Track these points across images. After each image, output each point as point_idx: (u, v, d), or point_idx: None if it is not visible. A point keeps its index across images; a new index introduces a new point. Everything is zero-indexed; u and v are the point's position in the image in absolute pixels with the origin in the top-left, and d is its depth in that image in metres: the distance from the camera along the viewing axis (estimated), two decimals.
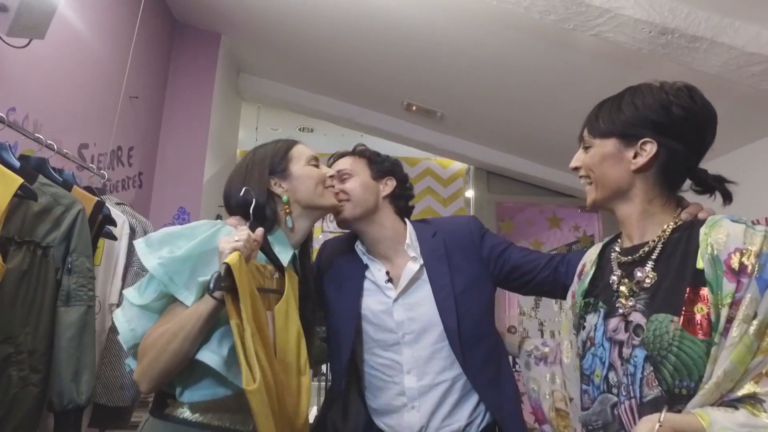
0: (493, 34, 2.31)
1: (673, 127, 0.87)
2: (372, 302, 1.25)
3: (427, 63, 2.74)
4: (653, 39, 1.85)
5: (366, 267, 1.29)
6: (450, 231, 1.31)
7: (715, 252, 0.77)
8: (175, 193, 2.82)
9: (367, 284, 1.27)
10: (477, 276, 1.25)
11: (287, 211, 1.14)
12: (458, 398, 1.19)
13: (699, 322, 0.75)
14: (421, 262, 1.25)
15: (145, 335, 0.96)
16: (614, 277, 0.90)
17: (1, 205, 1.07)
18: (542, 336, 5.05)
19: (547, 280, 1.22)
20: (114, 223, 1.58)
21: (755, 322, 0.71)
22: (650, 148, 0.87)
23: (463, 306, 1.20)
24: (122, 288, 1.59)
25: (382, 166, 1.34)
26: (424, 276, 1.25)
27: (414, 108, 3.23)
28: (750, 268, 0.73)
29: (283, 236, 1.14)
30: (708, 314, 0.75)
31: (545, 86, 2.61)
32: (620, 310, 0.86)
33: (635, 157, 0.88)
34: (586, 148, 0.95)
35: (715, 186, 0.92)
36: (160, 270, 0.95)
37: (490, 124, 3.24)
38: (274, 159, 1.16)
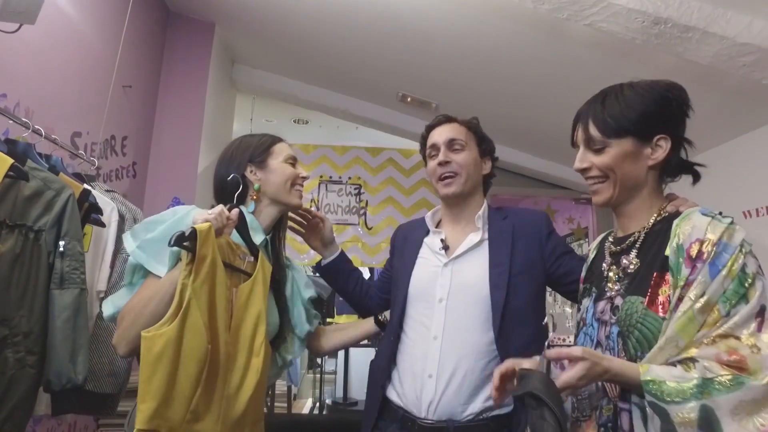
0: (488, 24, 2.30)
1: (675, 121, 0.95)
2: (423, 266, 1.31)
3: (421, 54, 2.73)
4: (646, 29, 1.85)
5: (426, 235, 1.37)
6: (521, 219, 1.35)
7: (681, 241, 0.86)
8: (169, 183, 2.81)
9: (423, 251, 1.34)
10: (534, 265, 1.28)
11: (254, 197, 1.25)
12: (478, 379, 1.16)
13: (661, 302, 0.86)
14: (485, 236, 1.30)
15: (125, 304, 1.06)
16: (605, 265, 1.00)
17: None
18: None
19: None
20: (100, 212, 1.58)
21: (702, 300, 0.81)
22: (665, 144, 0.94)
23: (515, 286, 1.21)
24: (110, 275, 1.60)
25: (488, 146, 1.41)
26: (485, 249, 1.28)
27: (409, 99, 3.22)
28: (705, 255, 0.83)
29: (256, 221, 1.24)
30: (668, 296, 0.85)
31: (539, 77, 2.61)
32: (608, 294, 0.96)
33: (653, 153, 0.94)
34: (598, 150, 0.96)
35: (688, 168, 0.99)
36: (138, 251, 1.06)
37: (485, 116, 3.19)
38: (257, 149, 1.29)
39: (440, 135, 1.34)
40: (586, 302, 1.01)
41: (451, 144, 1.32)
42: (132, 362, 1.63)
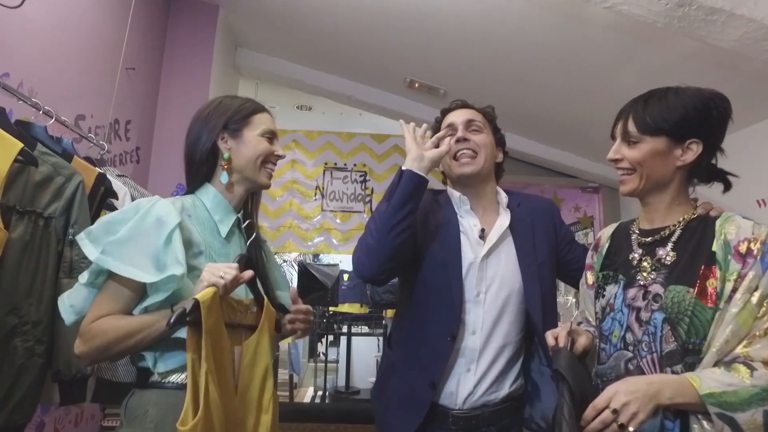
0: (502, 7, 2.25)
1: (712, 129, 1.01)
2: (467, 259, 1.25)
3: (431, 38, 2.67)
4: (670, 11, 1.80)
5: (458, 218, 1.30)
6: (534, 205, 1.36)
7: (728, 239, 0.95)
8: (173, 169, 2.75)
9: (462, 239, 1.27)
10: (552, 253, 1.32)
11: (224, 167, 1.12)
12: (505, 365, 1.21)
13: (709, 293, 0.93)
14: (509, 223, 1.27)
15: (94, 318, 0.95)
16: (635, 255, 1.06)
17: (1, 171, 1.01)
18: None
19: None
20: (116, 196, 1.54)
21: (756, 294, 0.89)
22: (696, 148, 1.00)
23: (543, 275, 1.25)
24: None
25: (502, 137, 1.41)
26: (510, 237, 1.28)
27: (417, 85, 3.16)
28: (756, 251, 0.92)
29: (223, 200, 1.13)
30: (716, 288, 0.92)
31: (554, 64, 2.56)
32: (640, 282, 1.02)
33: (682, 155, 1.01)
34: (632, 143, 1.03)
35: (720, 177, 1.06)
36: (103, 257, 0.94)
37: (495, 103, 3.15)
38: (234, 116, 1.15)
39: (457, 116, 1.33)
40: (613, 288, 1.06)
41: (469, 124, 1.32)
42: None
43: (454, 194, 1.32)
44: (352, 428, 3.01)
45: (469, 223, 1.28)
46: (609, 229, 1.20)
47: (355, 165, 3.64)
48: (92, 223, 1.33)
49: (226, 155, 1.12)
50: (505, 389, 1.21)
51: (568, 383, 0.93)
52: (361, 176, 3.64)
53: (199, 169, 1.14)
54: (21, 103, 1.36)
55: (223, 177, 1.12)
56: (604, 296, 1.08)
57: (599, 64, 2.42)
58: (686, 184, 1.06)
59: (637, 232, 1.10)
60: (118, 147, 2.37)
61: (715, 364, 0.89)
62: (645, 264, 1.03)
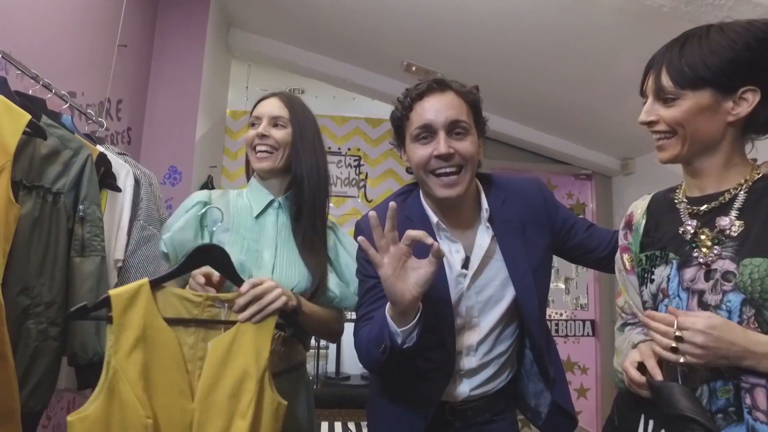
0: None
1: (761, 66, 0.81)
2: (453, 290, 1.09)
3: (430, 20, 2.63)
4: None
5: (434, 235, 1.08)
6: (522, 197, 1.15)
7: None
8: (165, 151, 2.68)
9: (446, 269, 1.09)
10: (547, 248, 1.17)
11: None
12: (500, 368, 1.17)
13: None
14: (492, 234, 1.11)
15: None
16: (688, 227, 0.88)
17: (11, 142, 0.96)
18: None
19: (605, 258, 1.17)
20: (114, 178, 1.48)
21: None
22: (752, 98, 0.82)
23: (538, 281, 1.11)
24: (127, 243, 1.50)
25: (485, 127, 1.14)
26: (497, 250, 1.11)
27: (414, 69, 3.12)
28: None
29: (260, 188, 1.29)
30: None
31: (554, 48, 2.55)
32: (699, 260, 0.85)
33: (734, 108, 0.83)
34: (669, 100, 0.86)
35: None
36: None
37: (492, 88, 3.17)
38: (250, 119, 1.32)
39: (437, 113, 1.03)
40: (664, 271, 0.89)
41: (452, 128, 1.04)
42: None
43: (432, 218, 1.11)
44: (344, 413, 3.03)
45: (450, 250, 1.10)
46: (642, 203, 1.02)
47: (349, 149, 3.60)
48: (98, 202, 1.29)
49: None
50: (503, 382, 1.18)
51: (705, 425, 0.72)
52: (355, 161, 3.60)
53: (247, 171, 1.37)
54: (17, 76, 1.29)
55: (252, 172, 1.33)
56: (653, 281, 0.91)
57: (601, 48, 2.42)
58: (741, 141, 0.87)
59: (684, 200, 0.92)
60: (110, 127, 2.29)
61: None
62: (703, 237, 0.86)
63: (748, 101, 0.82)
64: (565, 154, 3.59)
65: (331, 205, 3.93)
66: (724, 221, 0.84)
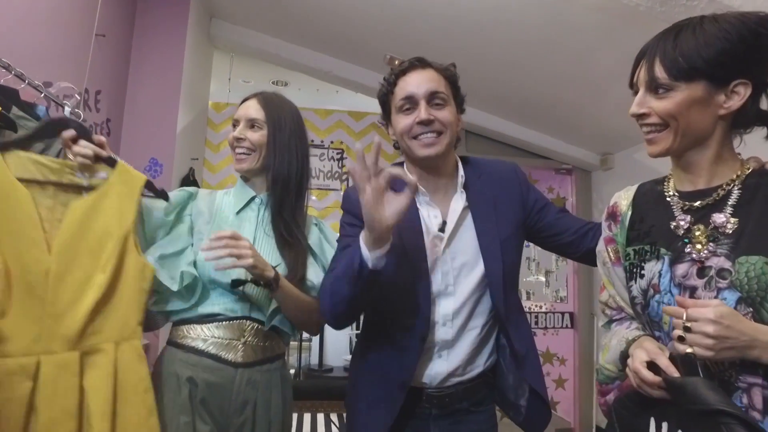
0: None
1: (762, 63, 0.81)
2: (431, 254, 1.14)
3: (413, 14, 2.64)
4: None
5: (418, 209, 1.17)
6: (497, 175, 1.23)
7: None
8: (146, 142, 2.66)
9: (424, 233, 1.16)
10: (518, 223, 1.22)
11: None
12: (479, 345, 1.18)
13: None
14: (466, 203, 1.18)
15: None
16: (681, 223, 0.87)
17: None
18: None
19: (571, 243, 1.22)
20: None
21: None
22: (744, 91, 0.81)
23: (506, 252, 1.16)
24: None
25: (462, 99, 1.22)
26: (469, 217, 1.19)
27: (397, 62, 3.12)
28: None
29: (244, 186, 1.33)
30: None
31: (535, 44, 2.58)
32: (692, 256, 0.84)
33: (726, 101, 0.82)
34: (661, 92, 0.84)
35: (764, 120, 0.87)
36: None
37: (474, 83, 3.18)
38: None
39: (418, 85, 1.13)
40: (655, 266, 0.89)
41: (432, 98, 1.13)
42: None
43: (411, 179, 1.13)
44: (327, 405, 3.05)
45: (429, 215, 1.18)
46: (626, 194, 1.01)
47: (332, 142, 3.61)
48: None
49: None
50: (480, 367, 1.19)
51: (740, 417, 0.68)
52: (338, 154, 3.60)
53: None
54: None
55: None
56: (643, 276, 0.90)
57: (579, 45, 2.46)
58: (730, 135, 0.86)
59: (676, 194, 0.91)
60: (88, 118, 2.26)
61: None
62: (698, 234, 0.85)
63: (739, 94, 0.82)
64: (545, 148, 3.64)
65: (313, 198, 3.94)
66: (719, 218, 0.83)
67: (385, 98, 1.20)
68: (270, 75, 3.94)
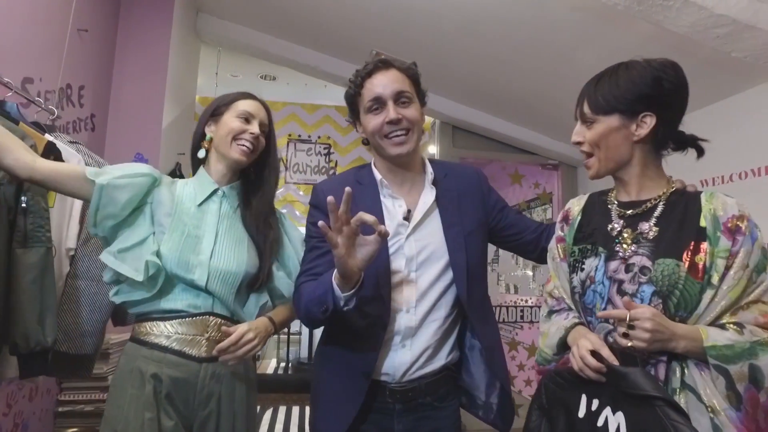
0: None
1: (664, 99, 1.01)
2: (392, 239, 1.19)
3: (400, 11, 2.65)
4: None
5: (381, 201, 1.23)
6: (460, 176, 1.32)
7: (717, 215, 0.97)
8: (131, 138, 2.66)
9: (386, 222, 1.20)
10: (481, 221, 1.28)
11: (205, 146, 1.35)
12: (442, 338, 1.21)
13: (699, 268, 0.94)
14: (434, 198, 1.24)
15: None
16: (615, 226, 1.06)
17: None
18: (498, 289, 5.25)
19: (531, 242, 1.31)
20: None
21: (747, 270, 0.93)
22: (650, 121, 1.01)
23: (470, 245, 1.22)
24: (80, 232, 1.51)
25: (423, 96, 1.28)
26: (436, 211, 1.25)
27: (383, 57, 3.14)
28: (744, 229, 0.95)
29: (206, 176, 1.34)
30: (704, 263, 0.94)
31: (519, 41, 2.60)
32: (620, 254, 1.02)
33: (637, 129, 1.02)
34: (589, 124, 1.05)
35: (691, 143, 1.07)
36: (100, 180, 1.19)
37: (459, 78, 3.22)
38: (220, 103, 1.36)
39: (384, 86, 1.19)
40: (593, 261, 1.05)
41: (398, 97, 1.19)
42: (107, 321, 1.57)
43: (376, 176, 1.25)
44: (304, 397, 3.09)
45: (393, 205, 1.23)
46: (579, 201, 1.19)
47: (319, 137, 3.62)
48: (44, 193, 1.31)
49: (208, 137, 1.34)
50: (442, 360, 1.20)
51: (670, 401, 0.84)
52: (325, 149, 3.62)
53: (193, 154, 1.38)
54: None
55: (201, 152, 1.34)
56: (583, 269, 1.07)
57: (562, 42, 2.47)
58: (651, 157, 1.05)
59: (615, 203, 1.10)
60: (71, 114, 2.27)
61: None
62: (625, 236, 1.03)
63: (647, 124, 1.02)
64: (532, 144, 3.66)
65: (300, 192, 3.95)
66: (644, 226, 1.02)
67: (352, 99, 1.25)
68: (258, 69, 3.94)
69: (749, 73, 2.23)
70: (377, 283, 1.16)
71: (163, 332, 1.18)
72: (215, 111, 1.35)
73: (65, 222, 1.46)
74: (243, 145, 1.30)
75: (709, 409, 0.88)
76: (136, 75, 2.71)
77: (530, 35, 2.52)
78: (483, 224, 1.29)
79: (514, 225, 1.31)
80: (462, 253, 1.20)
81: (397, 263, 1.18)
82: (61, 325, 1.49)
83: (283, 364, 5.28)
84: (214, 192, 1.32)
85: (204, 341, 1.20)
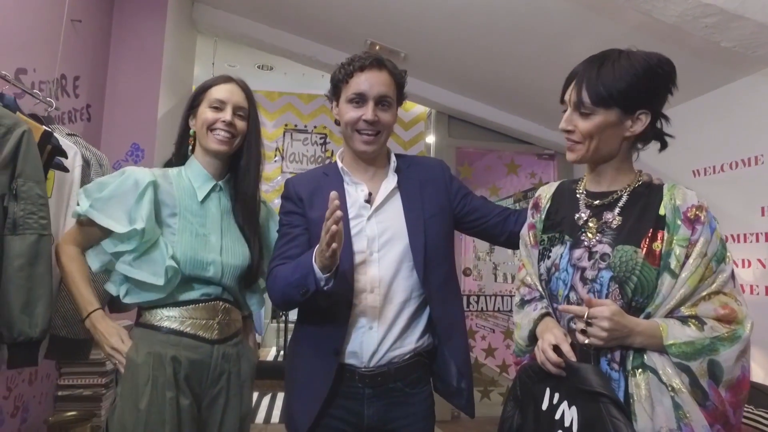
0: None
1: (658, 96, 1.02)
2: (354, 221, 1.24)
3: (396, 1, 2.66)
4: None
5: (344, 188, 1.28)
6: (423, 165, 1.37)
7: (677, 204, 0.99)
8: (127, 128, 2.69)
9: (348, 205, 1.26)
10: (443, 207, 1.32)
11: (190, 141, 1.34)
12: (409, 320, 1.22)
13: (656, 254, 0.96)
14: (396, 185, 1.29)
15: (69, 239, 1.25)
16: (582, 215, 1.08)
17: None
18: (495, 279, 5.28)
19: (496, 225, 1.33)
20: (64, 155, 1.50)
21: (705, 258, 0.95)
22: (645, 119, 1.02)
23: (429, 228, 1.26)
24: None
25: (403, 94, 1.32)
26: (397, 196, 1.29)
27: (377, 47, 3.15)
28: (703, 218, 0.97)
29: (202, 170, 1.32)
30: (661, 250, 0.96)
31: (510, 30, 2.60)
32: (585, 243, 1.04)
33: (632, 126, 1.02)
34: (585, 114, 1.02)
35: (660, 137, 1.08)
36: (91, 210, 1.19)
37: (454, 68, 3.22)
38: (196, 95, 1.34)
39: (371, 86, 1.22)
40: (559, 249, 1.07)
41: (380, 100, 1.23)
42: (104, 307, 1.60)
43: (339, 165, 1.31)
44: None
45: (355, 190, 1.28)
46: (549, 188, 1.21)
47: (315, 127, 3.63)
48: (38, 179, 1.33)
49: (191, 131, 1.34)
50: (411, 344, 1.22)
51: (613, 399, 0.88)
52: (321, 138, 3.63)
53: (181, 147, 1.36)
54: None
55: (189, 150, 1.34)
56: (549, 257, 1.09)
57: (554, 32, 2.48)
58: (630, 151, 1.08)
59: (584, 192, 1.11)
60: (67, 104, 2.30)
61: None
62: (591, 225, 1.05)
63: (642, 121, 1.02)
64: (528, 134, 3.67)
65: None
66: (608, 215, 1.04)
67: (338, 83, 1.28)
68: (255, 59, 3.94)
69: (740, 63, 2.24)
70: (341, 262, 1.17)
71: (177, 317, 1.23)
72: (193, 103, 1.33)
73: (62, 212, 1.49)
74: (218, 135, 1.29)
75: (670, 388, 0.90)
76: (132, 65, 2.74)
77: (520, 24, 2.52)
78: (445, 209, 1.32)
79: (478, 209, 1.34)
80: (420, 236, 1.24)
81: (360, 244, 1.22)
82: (60, 311, 1.53)
83: (282, 352, 5.35)
84: (214, 187, 1.33)
85: (216, 324, 1.26)
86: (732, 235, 2.44)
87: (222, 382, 1.26)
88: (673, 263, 0.95)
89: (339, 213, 1.02)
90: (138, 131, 2.72)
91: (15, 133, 1.20)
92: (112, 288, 1.25)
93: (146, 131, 2.74)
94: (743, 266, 2.38)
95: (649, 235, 0.98)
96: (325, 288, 1.10)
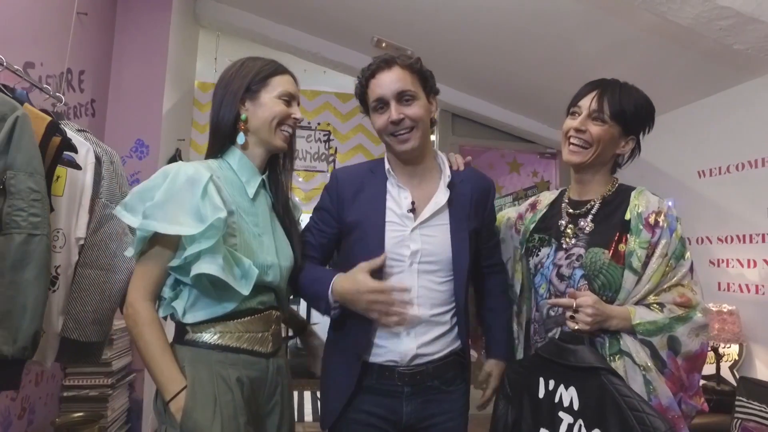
0: None
1: (644, 128, 1.23)
2: (393, 229, 1.24)
3: None
4: None
5: (387, 191, 1.28)
6: (476, 183, 1.35)
7: (640, 210, 1.17)
8: (131, 123, 2.65)
9: (389, 210, 1.25)
10: (479, 226, 1.33)
11: (242, 128, 1.17)
12: (445, 327, 1.25)
13: (621, 255, 1.14)
14: (446, 200, 1.26)
15: (141, 289, 1.05)
16: (563, 222, 1.26)
17: None
18: None
19: (481, 274, 1.40)
20: (74, 149, 1.45)
21: (665, 258, 1.14)
22: (632, 144, 1.22)
23: (471, 246, 1.28)
24: (89, 221, 1.51)
25: (433, 85, 1.29)
26: (446, 213, 1.27)
27: (384, 45, 3.13)
28: (662, 222, 1.15)
29: (248, 162, 1.19)
30: (624, 251, 1.14)
31: (520, 30, 2.60)
32: (564, 246, 1.23)
33: (624, 146, 1.22)
34: (599, 121, 1.18)
35: (620, 165, 1.28)
36: (146, 221, 1.00)
37: (460, 66, 3.21)
38: (255, 77, 1.18)
39: (387, 87, 1.21)
40: (546, 250, 1.26)
41: (400, 97, 1.22)
42: (116, 310, 1.58)
43: (386, 165, 1.30)
44: (313, 383, 3.13)
45: (398, 195, 1.27)
46: (551, 196, 1.38)
47: (319, 124, 3.60)
48: (50, 176, 1.28)
49: (243, 116, 1.17)
50: (447, 349, 1.25)
51: (611, 370, 1.04)
52: (324, 135, 3.61)
53: (225, 135, 1.18)
54: None
55: (240, 137, 1.17)
56: (538, 255, 1.27)
57: (564, 32, 2.48)
58: (613, 167, 1.27)
59: (567, 201, 1.29)
60: (72, 99, 2.25)
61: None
62: (569, 231, 1.24)
63: (629, 145, 1.23)
64: (530, 132, 3.68)
65: (300, 179, 3.93)
66: (582, 222, 1.22)
67: (361, 97, 1.31)
68: (257, 54, 3.89)
69: (749, 65, 2.25)
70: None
71: (233, 332, 1.10)
72: (251, 87, 1.17)
73: (74, 212, 1.45)
74: (286, 131, 1.20)
75: (642, 368, 1.09)
76: (136, 60, 2.69)
77: (529, 25, 2.52)
78: (480, 228, 1.34)
79: (485, 248, 1.38)
80: (465, 255, 1.26)
81: (400, 253, 1.22)
82: (71, 313, 1.49)
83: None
84: (260, 182, 1.22)
85: (270, 336, 1.15)
86: (738, 236, 2.46)
87: (276, 397, 1.16)
88: (635, 263, 1.12)
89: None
90: (142, 127, 2.68)
91: (7, 122, 1.05)
92: (177, 305, 1.08)
93: (151, 127, 2.70)
94: (749, 266, 2.41)
95: (616, 238, 1.16)
96: (332, 315, 1.18)
